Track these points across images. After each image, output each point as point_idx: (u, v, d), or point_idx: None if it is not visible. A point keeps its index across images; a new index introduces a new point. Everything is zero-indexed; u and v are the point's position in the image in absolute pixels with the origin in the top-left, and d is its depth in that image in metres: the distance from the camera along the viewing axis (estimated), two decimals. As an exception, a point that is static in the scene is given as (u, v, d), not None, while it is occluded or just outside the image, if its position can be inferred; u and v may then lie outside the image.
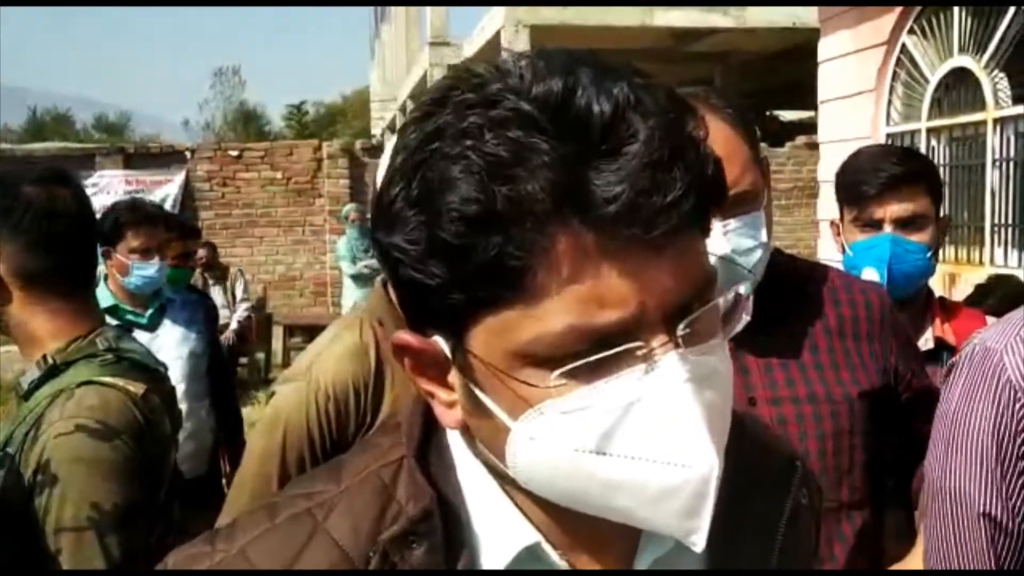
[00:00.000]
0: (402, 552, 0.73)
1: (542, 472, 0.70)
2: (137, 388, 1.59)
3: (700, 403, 0.66)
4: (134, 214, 3.45)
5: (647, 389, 0.66)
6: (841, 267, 2.22)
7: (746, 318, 0.74)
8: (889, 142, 6.96)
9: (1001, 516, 1.26)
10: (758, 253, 1.56)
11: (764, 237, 1.58)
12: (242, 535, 0.77)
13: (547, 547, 0.75)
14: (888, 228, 2.14)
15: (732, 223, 1.52)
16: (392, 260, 0.69)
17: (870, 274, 2.12)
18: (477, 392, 0.71)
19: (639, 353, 0.66)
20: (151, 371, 1.71)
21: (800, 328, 1.65)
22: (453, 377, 0.73)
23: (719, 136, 1.54)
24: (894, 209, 2.13)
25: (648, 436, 0.66)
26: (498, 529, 0.76)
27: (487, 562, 0.76)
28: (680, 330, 0.66)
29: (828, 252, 7.55)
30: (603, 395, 0.66)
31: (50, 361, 1.59)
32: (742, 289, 0.73)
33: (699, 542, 0.69)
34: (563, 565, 0.76)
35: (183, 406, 3.43)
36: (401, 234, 0.68)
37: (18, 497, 1.46)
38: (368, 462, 0.80)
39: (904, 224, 2.13)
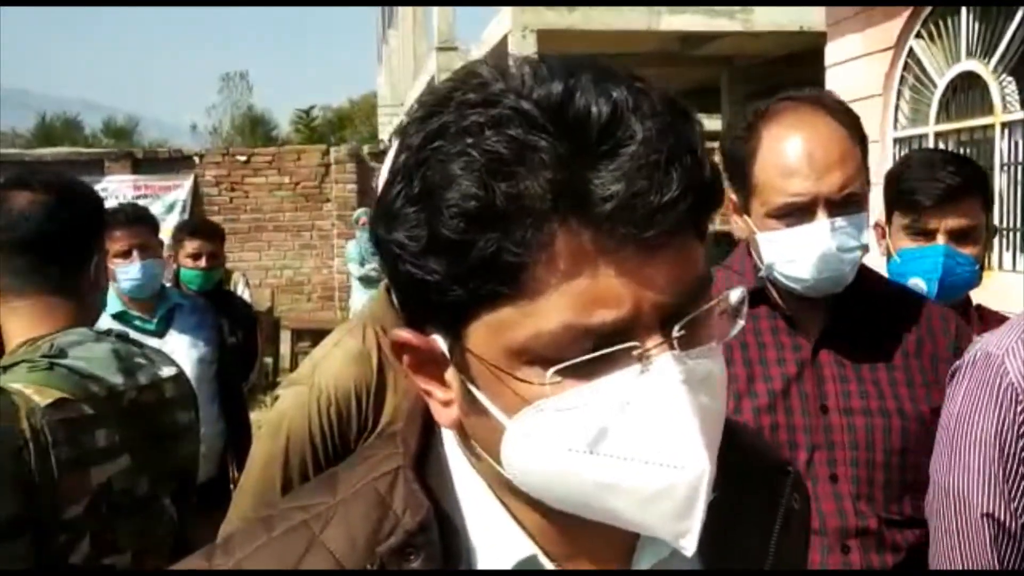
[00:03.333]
0: (400, 564, 0.73)
1: (536, 471, 0.70)
2: (45, 397, 1.51)
3: (694, 405, 0.67)
4: (109, 218, 3.44)
5: (641, 389, 0.67)
6: (884, 271, 2.22)
7: (741, 323, 0.74)
8: (897, 147, 6.96)
9: (1004, 517, 1.28)
10: (857, 253, 1.62)
11: (866, 239, 1.63)
12: (239, 549, 0.77)
13: (543, 559, 0.75)
14: (941, 239, 2.10)
15: (840, 221, 1.58)
16: (392, 256, 0.70)
17: (917, 284, 2.11)
18: (474, 390, 0.71)
19: (634, 353, 0.66)
20: (98, 380, 1.63)
21: (879, 342, 1.69)
22: (450, 375, 0.74)
23: (835, 136, 1.61)
24: (950, 222, 2.10)
25: (641, 437, 0.67)
26: (495, 540, 0.76)
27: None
28: (676, 332, 0.67)
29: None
30: (598, 394, 0.67)
31: None
32: (736, 296, 0.74)
33: (690, 546, 0.69)
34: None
35: (193, 411, 3.45)
36: (402, 230, 0.68)
37: None
38: (364, 473, 0.80)
39: (958, 236, 2.10)
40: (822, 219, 1.58)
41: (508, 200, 0.64)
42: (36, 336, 1.63)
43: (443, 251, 0.66)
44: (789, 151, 1.60)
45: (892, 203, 2.22)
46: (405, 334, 0.74)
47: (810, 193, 1.58)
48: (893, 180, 2.21)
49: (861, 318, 1.69)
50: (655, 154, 0.64)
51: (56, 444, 1.50)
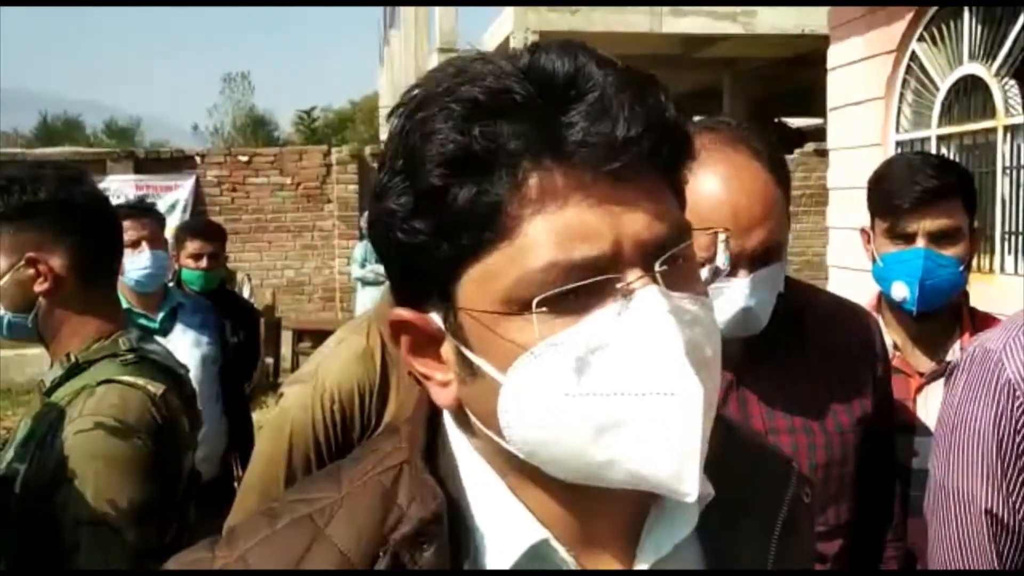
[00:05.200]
0: (412, 553, 0.74)
1: (534, 428, 0.71)
2: (157, 388, 1.62)
3: (680, 334, 0.68)
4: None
5: (627, 322, 0.69)
6: (871, 276, 2.23)
7: (724, 266, 0.76)
8: (899, 150, 6.96)
9: (1003, 513, 1.28)
10: (773, 302, 1.57)
11: (782, 286, 1.59)
12: (243, 542, 0.77)
13: (555, 543, 0.76)
14: (921, 242, 2.11)
15: (758, 275, 1.51)
16: (384, 229, 0.73)
17: (900, 288, 2.12)
18: (469, 354, 0.73)
19: (618, 287, 0.69)
20: (171, 372, 1.74)
21: (799, 357, 1.68)
22: (446, 350, 0.76)
23: (759, 186, 1.52)
24: (928, 224, 2.10)
25: (631, 369, 0.68)
26: (505, 528, 0.76)
27: (493, 562, 0.76)
28: (658, 267, 0.70)
29: (836, 259, 7.54)
30: (584, 331, 0.69)
31: (72, 359, 1.62)
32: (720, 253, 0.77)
33: (690, 490, 0.69)
34: (570, 561, 0.76)
35: (195, 410, 3.47)
36: (390, 200, 0.72)
37: (39, 492, 1.48)
38: (368, 467, 0.81)
39: (938, 238, 2.11)
40: (742, 277, 1.50)
41: (484, 143, 0.68)
42: (108, 331, 1.68)
43: (427, 207, 0.70)
44: (712, 204, 1.48)
45: (874, 208, 2.23)
46: (402, 312, 0.77)
47: (733, 251, 1.48)
48: (874, 185, 2.22)
49: (779, 332, 1.64)
50: (616, 97, 0.69)
51: (172, 430, 1.62)
